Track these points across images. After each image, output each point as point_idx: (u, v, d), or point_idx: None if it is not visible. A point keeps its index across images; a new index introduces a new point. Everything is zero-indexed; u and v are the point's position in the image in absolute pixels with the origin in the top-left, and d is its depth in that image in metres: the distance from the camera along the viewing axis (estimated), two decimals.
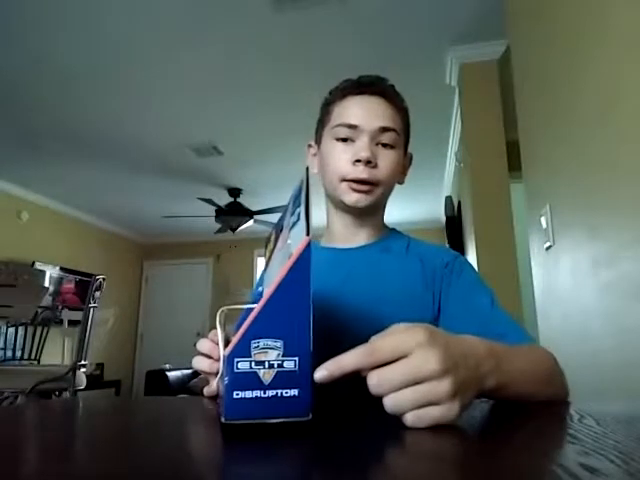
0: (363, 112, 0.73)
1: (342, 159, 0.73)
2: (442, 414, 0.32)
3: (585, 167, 1.04)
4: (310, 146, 0.85)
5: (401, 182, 0.81)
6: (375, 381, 0.33)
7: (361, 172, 0.71)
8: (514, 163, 2.18)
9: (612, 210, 0.91)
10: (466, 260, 0.79)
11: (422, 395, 0.32)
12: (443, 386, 0.32)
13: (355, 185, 0.73)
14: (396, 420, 0.32)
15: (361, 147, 0.72)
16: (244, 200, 4.77)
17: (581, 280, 1.10)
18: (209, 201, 4.38)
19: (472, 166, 2.55)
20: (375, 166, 0.72)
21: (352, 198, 0.74)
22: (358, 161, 0.71)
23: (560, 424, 0.32)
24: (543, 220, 1.34)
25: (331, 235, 0.83)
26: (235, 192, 4.71)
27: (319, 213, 0.84)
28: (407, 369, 0.33)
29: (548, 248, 1.34)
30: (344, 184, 0.74)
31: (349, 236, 0.80)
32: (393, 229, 0.86)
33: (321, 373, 0.33)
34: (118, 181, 4.48)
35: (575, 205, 1.12)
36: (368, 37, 2.46)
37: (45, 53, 2.55)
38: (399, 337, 0.35)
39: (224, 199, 4.66)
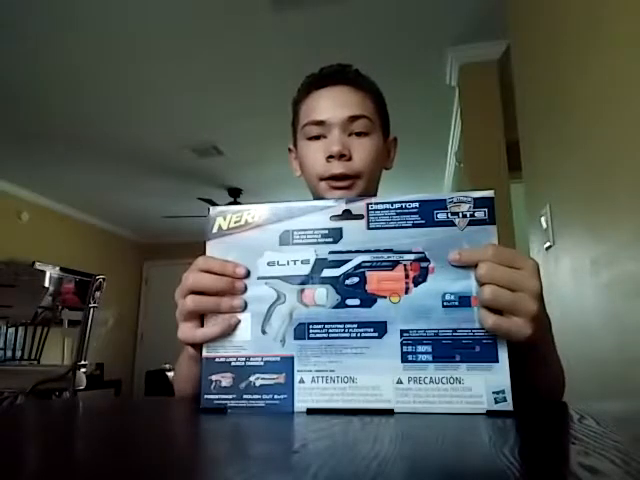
0: (328, 105, 0.70)
1: (317, 158, 0.70)
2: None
3: (585, 167, 1.04)
4: (290, 150, 0.83)
5: (388, 167, 0.78)
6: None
7: (336, 167, 0.68)
8: (514, 163, 2.18)
9: (612, 210, 0.91)
10: None
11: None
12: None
13: (334, 182, 0.69)
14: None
15: (332, 141, 0.69)
16: (244, 200, 4.77)
17: (581, 280, 1.10)
18: (209, 201, 4.38)
19: (472, 166, 2.55)
20: (350, 158, 0.69)
21: (334, 196, 0.70)
22: (331, 157, 0.68)
23: (560, 424, 0.32)
24: (543, 220, 1.34)
25: None
26: (235, 192, 4.71)
27: None
28: None
29: (548, 248, 1.34)
30: (323, 183, 0.71)
31: None
32: None
33: None
34: (118, 181, 4.48)
35: (575, 205, 1.12)
36: (368, 37, 2.46)
37: (45, 53, 2.55)
38: None
39: (224, 199, 4.66)
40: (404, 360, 0.37)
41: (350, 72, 0.73)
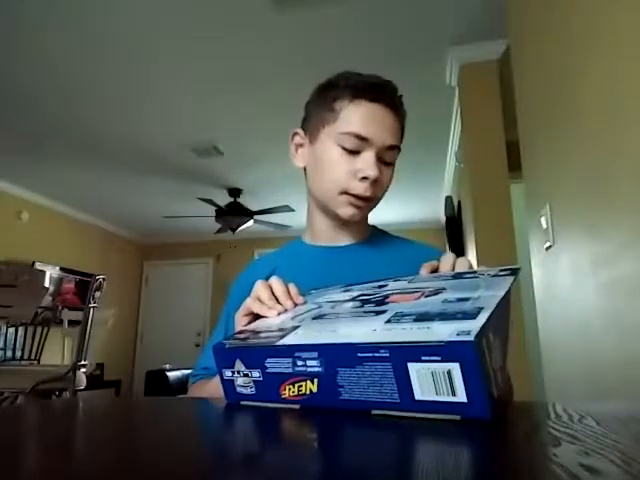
0: (376, 124, 0.69)
1: (346, 170, 0.70)
2: None
3: (585, 167, 1.04)
4: (297, 134, 0.78)
5: None
6: None
7: (365, 190, 0.70)
8: (514, 163, 2.18)
9: (612, 210, 0.91)
10: None
11: None
12: None
13: (354, 200, 0.71)
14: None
15: (369, 164, 0.69)
16: (244, 200, 4.77)
17: (581, 280, 1.10)
18: (209, 201, 4.38)
19: (472, 166, 2.55)
20: (378, 184, 0.71)
21: (348, 212, 0.73)
22: (365, 178, 0.69)
23: (560, 424, 0.32)
24: (543, 220, 1.34)
25: (314, 234, 0.82)
26: (235, 192, 4.71)
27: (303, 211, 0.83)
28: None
29: (548, 248, 1.33)
30: (343, 197, 0.71)
31: (334, 236, 0.80)
32: (374, 226, 0.85)
33: None
34: (118, 181, 4.48)
35: (575, 205, 1.12)
36: (368, 37, 2.46)
37: (44, 52, 2.55)
38: None
39: (224, 199, 4.66)
40: (386, 322, 0.38)
41: (397, 95, 0.73)
